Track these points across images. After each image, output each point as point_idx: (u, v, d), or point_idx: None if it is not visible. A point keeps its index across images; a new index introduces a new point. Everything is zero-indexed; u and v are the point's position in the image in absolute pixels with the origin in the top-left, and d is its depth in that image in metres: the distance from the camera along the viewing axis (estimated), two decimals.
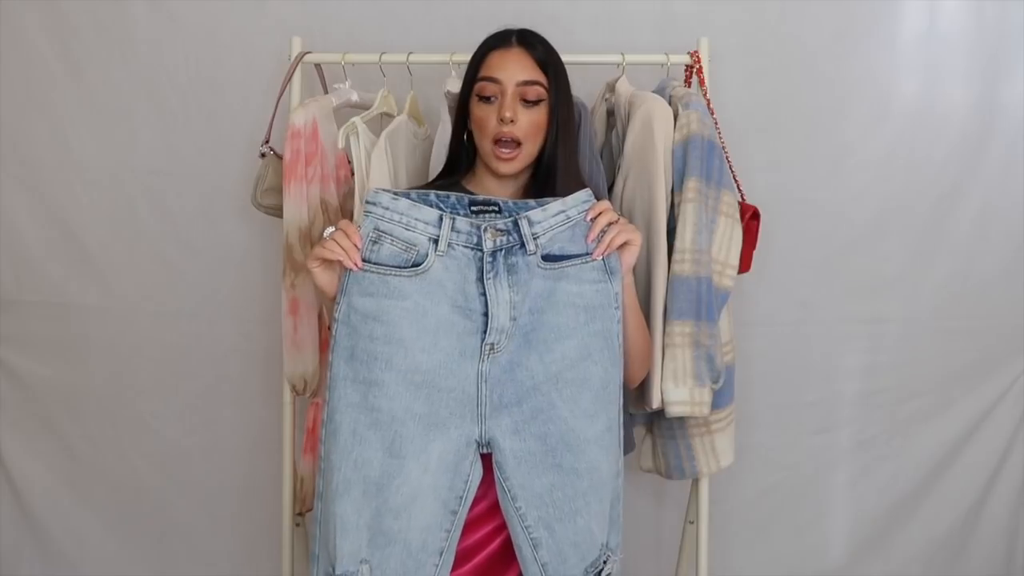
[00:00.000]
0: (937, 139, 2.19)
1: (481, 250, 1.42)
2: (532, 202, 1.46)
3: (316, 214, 1.86)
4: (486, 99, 1.58)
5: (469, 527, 1.50)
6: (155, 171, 2.26)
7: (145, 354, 2.31)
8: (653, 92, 1.85)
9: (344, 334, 1.42)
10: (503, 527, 1.52)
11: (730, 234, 1.81)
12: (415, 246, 1.42)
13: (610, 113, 1.93)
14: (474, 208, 1.45)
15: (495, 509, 1.51)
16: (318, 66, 1.98)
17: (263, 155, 1.93)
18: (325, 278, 1.46)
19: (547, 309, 1.44)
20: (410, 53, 1.88)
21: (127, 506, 2.35)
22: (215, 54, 2.21)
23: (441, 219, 1.42)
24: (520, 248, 1.43)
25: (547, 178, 1.60)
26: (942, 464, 2.26)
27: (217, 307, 2.28)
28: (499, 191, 1.62)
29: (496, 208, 1.45)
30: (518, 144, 1.56)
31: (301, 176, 1.83)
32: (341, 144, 1.82)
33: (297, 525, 1.99)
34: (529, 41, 1.59)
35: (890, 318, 2.23)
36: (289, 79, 1.91)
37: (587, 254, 1.46)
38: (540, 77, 1.57)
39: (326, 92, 1.99)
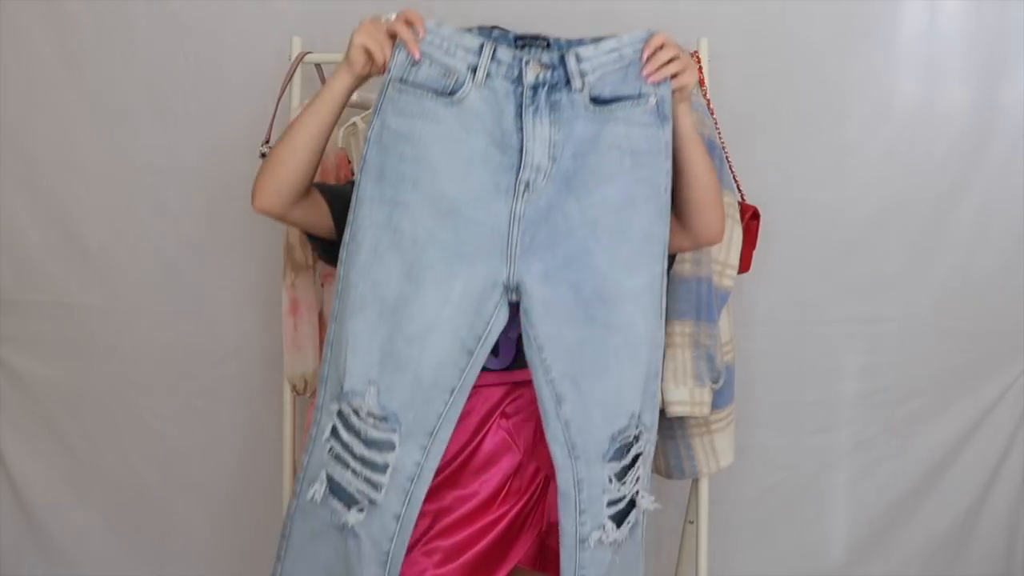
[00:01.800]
0: (937, 138, 2.19)
1: (521, 84, 1.36)
2: (586, 39, 1.40)
3: None
4: None
5: (459, 524, 1.50)
6: (156, 171, 2.26)
7: (145, 354, 2.30)
8: None
9: (374, 153, 1.36)
10: (493, 524, 1.52)
11: (730, 234, 1.81)
12: (453, 73, 1.35)
13: None
14: (520, 42, 1.39)
15: (485, 506, 1.51)
16: (318, 66, 1.98)
17: (263, 155, 1.93)
18: (361, 60, 1.38)
19: (590, 152, 1.36)
20: None
21: (127, 506, 2.35)
22: (215, 54, 2.21)
23: (482, 47, 1.35)
24: (565, 85, 1.35)
25: None
26: (942, 464, 2.26)
27: (217, 307, 2.28)
28: None
29: (545, 43, 1.39)
30: None
31: None
32: (341, 144, 1.82)
33: None
34: None
35: (890, 318, 2.23)
36: (289, 79, 1.92)
37: (640, 95, 1.37)
38: None
39: None
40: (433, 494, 1.52)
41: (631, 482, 1.43)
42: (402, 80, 1.36)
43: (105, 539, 2.36)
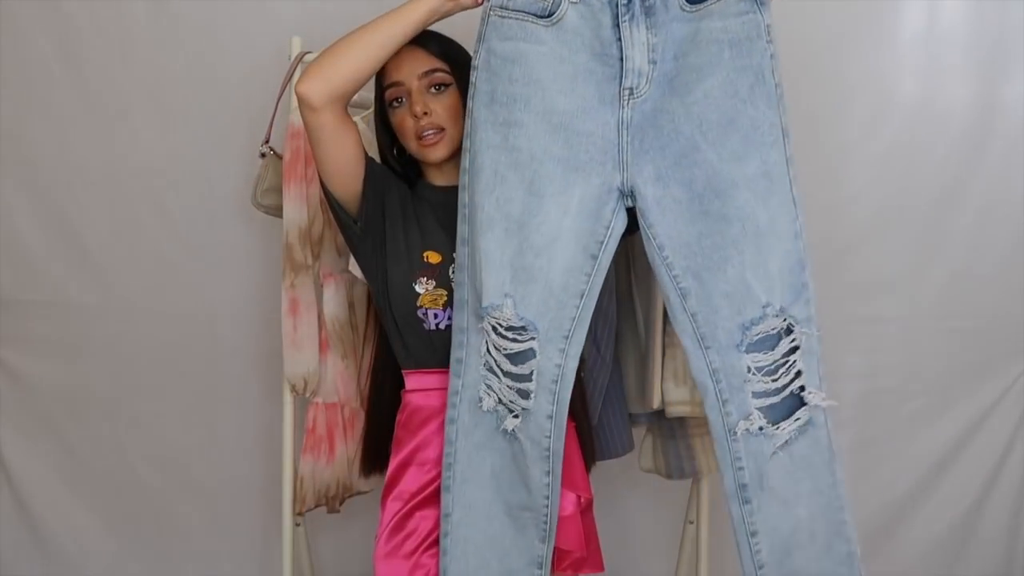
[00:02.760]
0: (937, 138, 2.19)
1: None
2: None
3: (316, 214, 1.86)
4: (399, 104, 1.60)
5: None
6: (155, 171, 2.26)
7: (145, 354, 2.30)
8: None
9: (484, 79, 1.43)
10: None
11: None
12: None
13: None
14: None
15: None
16: None
17: (263, 155, 1.93)
18: None
19: (691, 51, 1.39)
20: None
21: (127, 506, 2.35)
22: (215, 54, 2.21)
23: None
24: None
25: None
26: (942, 464, 2.25)
27: (217, 307, 2.28)
28: (443, 181, 1.64)
29: None
30: (442, 129, 1.57)
31: (301, 176, 1.83)
32: None
33: (297, 525, 1.99)
34: (421, 40, 1.58)
35: (891, 318, 2.23)
36: (289, 79, 1.91)
37: None
38: (440, 64, 1.59)
39: None
40: (434, 499, 1.54)
41: (786, 376, 1.42)
42: (502, 7, 1.42)
43: (105, 539, 2.36)
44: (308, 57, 1.92)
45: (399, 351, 1.64)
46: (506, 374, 1.47)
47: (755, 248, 1.39)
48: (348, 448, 1.93)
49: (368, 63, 1.49)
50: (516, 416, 1.47)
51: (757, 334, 1.40)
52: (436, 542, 1.54)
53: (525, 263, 1.43)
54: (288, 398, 1.93)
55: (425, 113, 1.57)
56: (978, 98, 2.17)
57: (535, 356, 1.45)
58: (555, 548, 1.55)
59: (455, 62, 1.60)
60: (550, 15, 1.40)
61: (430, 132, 1.57)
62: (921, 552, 2.27)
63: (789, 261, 1.40)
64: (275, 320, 1.91)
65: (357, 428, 1.94)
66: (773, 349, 1.41)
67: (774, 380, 1.41)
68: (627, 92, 1.41)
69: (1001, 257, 2.20)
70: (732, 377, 1.42)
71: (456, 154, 1.58)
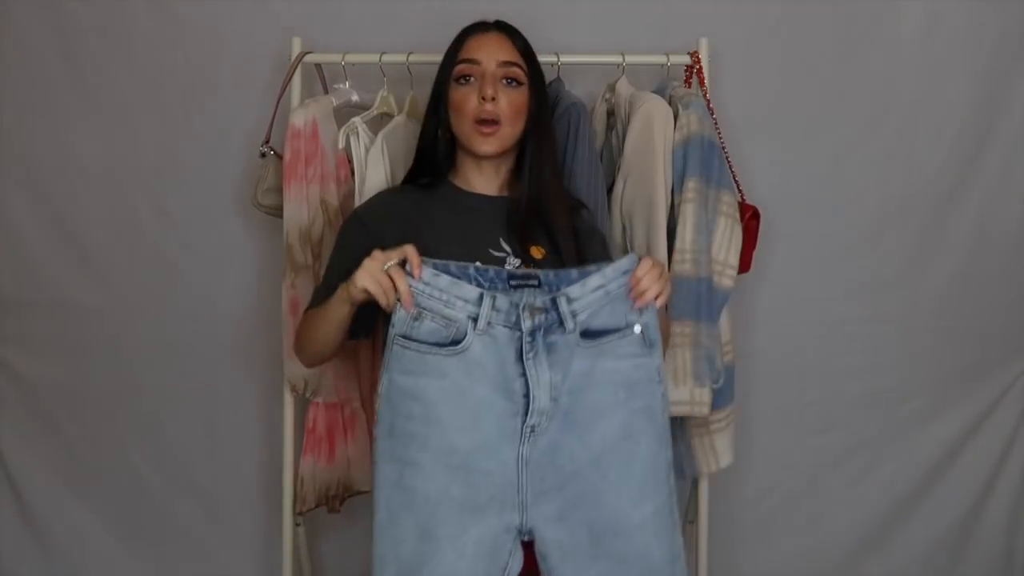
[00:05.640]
0: (937, 139, 2.19)
1: (519, 329, 1.36)
2: (573, 272, 1.39)
3: (316, 214, 1.86)
4: (466, 81, 1.57)
5: None
6: (155, 171, 2.26)
7: (145, 354, 2.30)
8: (653, 92, 1.85)
9: (386, 410, 1.38)
10: None
11: (730, 234, 1.81)
12: (454, 323, 1.36)
13: (610, 113, 1.93)
14: (513, 283, 1.39)
15: None
16: (318, 66, 1.98)
17: (263, 155, 1.93)
18: (361, 299, 1.40)
19: (586, 387, 1.38)
20: (410, 53, 1.88)
21: (127, 506, 2.35)
22: (215, 54, 2.21)
23: (482, 297, 1.36)
24: (559, 326, 1.37)
25: (527, 169, 1.59)
26: (942, 464, 2.26)
27: (217, 307, 2.28)
28: (482, 184, 1.62)
29: (536, 282, 1.39)
30: (498, 123, 1.55)
31: (301, 176, 1.83)
32: (341, 144, 1.83)
33: (297, 525, 1.99)
34: (509, 29, 1.59)
35: (890, 318, 2.23)
36: (289, 79, 1.92)
37: (627, 327, 1.39)
38: (520, 61, 1.58)
39: (326, 92, 1.99)
40: None
41: None
42: (405, 336, 1.37)
43: (105, 539, 2.36)
44: (308, 57, 1.92)
45: None
46: None
47: None
48: (348, 448, 1.93)
49: (327, 347, 1.54)
50: None
51: None
52: None
53: None
54: (288, 398, 1.93)
55: (493, 98, 1.54)
56: (978, 99, 2.18)
57: None
58: None
59: (532, 65, 1.59)
60: (455, 343, 1.36)
61: (489, 120, 1.54)
62: (921, 552, 2.28)
63: None
64: (275, 320, 1.91)
65: (357, 428, 1.94)
66: None
67: None
68: (529, 430, 1.36)
69: (1001, 258, 2.21)
70: None
71: (501, 155, 1.58)
